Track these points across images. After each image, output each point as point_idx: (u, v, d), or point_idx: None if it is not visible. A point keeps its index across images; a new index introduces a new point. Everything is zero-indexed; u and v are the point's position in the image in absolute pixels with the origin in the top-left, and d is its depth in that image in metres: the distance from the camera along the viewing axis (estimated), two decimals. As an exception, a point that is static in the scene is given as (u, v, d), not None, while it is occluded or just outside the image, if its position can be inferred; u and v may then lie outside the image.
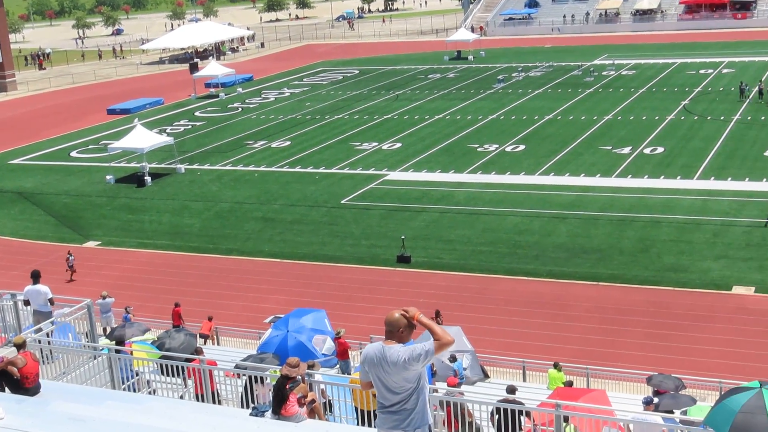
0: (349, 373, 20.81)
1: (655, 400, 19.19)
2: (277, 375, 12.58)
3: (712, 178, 45.08)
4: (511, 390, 17.64)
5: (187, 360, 16.98)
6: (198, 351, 20.53)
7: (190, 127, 70.01)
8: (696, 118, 58.94)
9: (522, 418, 14.75)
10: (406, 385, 7.47)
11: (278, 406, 11.75)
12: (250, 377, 15.69)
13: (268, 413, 11.90)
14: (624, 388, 24.28)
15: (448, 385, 17.75)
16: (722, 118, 58.23)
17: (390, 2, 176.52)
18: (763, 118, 57.55)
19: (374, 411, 8.57)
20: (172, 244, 41.62)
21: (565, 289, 33.26)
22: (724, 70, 76.54)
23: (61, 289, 27.37)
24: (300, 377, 12.48)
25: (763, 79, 67.49)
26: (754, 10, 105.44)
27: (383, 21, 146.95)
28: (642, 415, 15.59)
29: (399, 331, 7.43)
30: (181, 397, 17.32)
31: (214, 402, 16.08)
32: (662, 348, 27.68)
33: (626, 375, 24.97)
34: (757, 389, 9.57)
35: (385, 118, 66.46)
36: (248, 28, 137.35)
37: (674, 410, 18.63)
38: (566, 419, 14.42)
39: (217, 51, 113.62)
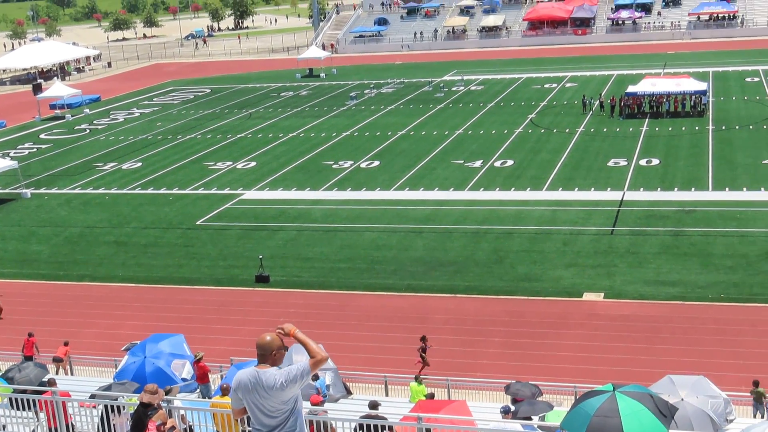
0: (210, 397, 20.43)
1: (513, 408, 19.62)
2: (136, 403, 12.25)
3: (560, 188, 46.58)
4: (374, 405, 17.68)
5: (37, 392, 16.31)
6: (51, 382, 19.75)
7: (35, 150, 67.37)
8: (543, 131, 60.83)
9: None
10: (283, 408, 7.40)
11: (137, 435, 11.43)
12: (106, 407, 15.18)
13: (127, 443, 11.57)
14: (483, 397, 24.67)
15: (312, 404, 17.64)
16: (567, 130, 60.31)
17: (240, 21, 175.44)
18: (605, 129, 59.99)
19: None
20: (20, 272, 39.85)
21: (424, 302, 33.61)
22: (568, 84, 79.36)
23: None
24: (158, 405, 12.17)
25: (603, 93, 70.54)
26: (593, 26, 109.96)
27: (239, 39, 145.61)
28: (501, 424, 15.90)
29: (272, 353, 7.29)
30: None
31: (68, 436, 15.48)
32: (519, 356, 28.32)
33: (485, 384, 25.41)
34: (611, 393, 9.90)
35: (238, 137, 65.82)
36: (94, 48, 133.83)
37: (532, 416, 19.08)
38: (429, 431, 14.57)
39: (61, 71, 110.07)
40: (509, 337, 30.15)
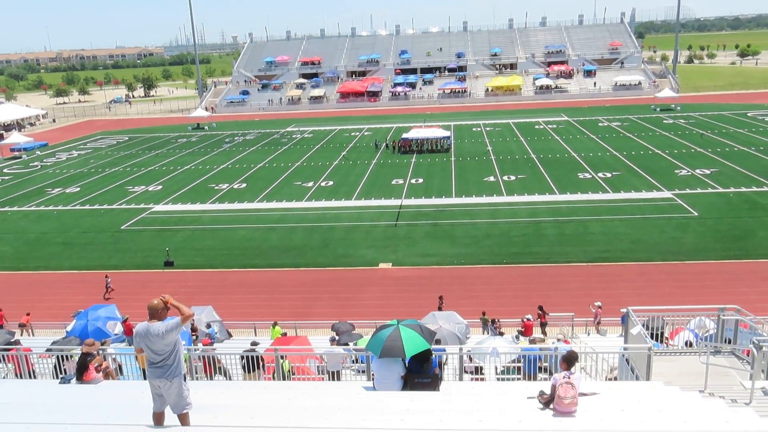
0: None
1: (337, 338, 19.79)
2: (79, 353, 11.57)
3: (363, 198, 47.23)
4: (254, 343, 17.40)
5: (6, 349, 15.16)
6: (16, 342, 18.32)
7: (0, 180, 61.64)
8: (351, 162, 61.45)
9: (259, 360, 14.64)
10: (167, 348, 7.56)
11: (80, 374, 10.79)
12: (58, 357, 14.31)
13: (73, 380, 10.89)
14: (318, 333, 24.75)
15: (203, 345, 17.12)
16: (366, 162, 61.21)
17: (147, 90, 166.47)
18: (389, 161, 61.26)
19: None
20: (-10, 267, 36.44)
21: (279, 275, 33.27)
22: (366, 133, 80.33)
23: None
24: (97, 352, 11.51)
25: (388, 138, 72.12)
26: (380, 96, 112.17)
27: (154, 102, 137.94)
28: (330, 348, 16.03)
29: (158, 312, 7.61)
30: (5, 377, 15.33)
31: (30, 378, 14.41)
32: (341, 305, 28.58)
33: (319, 324, 25.52)
34: (396, 325, 10.13)
35: (149, 170, 62.49)
36: (42, 109, 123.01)
37: (348, 343, 19.33)
38: (283, 357, 14.49)
39: (18, 125, 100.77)
40: (334, 294, 30.37)
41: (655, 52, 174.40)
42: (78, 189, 55.22)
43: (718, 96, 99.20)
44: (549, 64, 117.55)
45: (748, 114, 77.82)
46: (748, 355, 13.81)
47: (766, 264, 31.03)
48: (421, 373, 9.66)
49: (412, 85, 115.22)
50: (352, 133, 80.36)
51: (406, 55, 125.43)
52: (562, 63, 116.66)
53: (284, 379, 14.04)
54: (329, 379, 15.60)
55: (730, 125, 70.31)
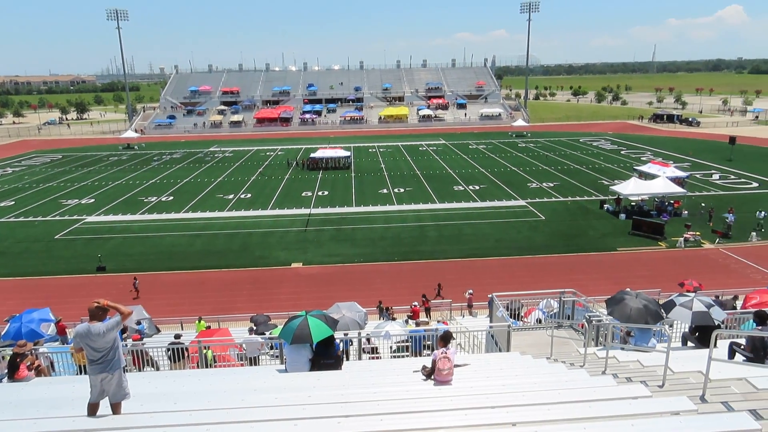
0: (68, 344, 17.90)
1: (255, 328, 19.21)
2: (11, 353, 10.47)
3: (277, 208, 46.31)
4: (177, 336, 16.52)
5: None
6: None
7: (-69, 196, 54.96)
8: (267, 177, 60.14)
9: (184, 351, 13.91)
10: (107, 345, 7.05)
11: (11, 373, 9.77)
12: (-10, 358, 12.84)
13: (5, 379, 9.84)
14: (238, 325, 23.97)
15: (133, 341, 16.05)
16: (279, 177, 60.11)
17: (80, 114, 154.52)
18: (299, 176, 60.44)
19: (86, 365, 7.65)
20: None
21: (203, 275, 31.89)
22: (279, 152, 78.97)
23: None
24: (30, 352, 10.48)
25: (298, 157, 71.17)
26: (291, 122, 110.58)
27: (91, 124, 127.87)
28: (248, 337, 15.53)
29: (98, 315, 7.10)
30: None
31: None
32: (258, 300, 27.80)
33: (239, 317, 24.69)
34: (304, 316, 9.97)
35: (82, 185, 58.00)
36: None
37: (265, 332, 18.82)
38: (207, 347, 13.87)
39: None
40: (252, 290, 29.50)
41: (510, 90, 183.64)
42: (12, 203, 50.29)
43: (558, 125, 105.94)
44: (429, 97, 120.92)
45: (580, 140, 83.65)
46: (582, 327, 14.72)
47: (595, 256, 33.38)
48: (326, 355, 9.58)
49: (318, 113, 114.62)
50: (267, 153, 78.67)
51: (312, 88, 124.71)
52: (439, 97, 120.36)
53: (208, 367, 13.44)
54: (248, 365, 15.11)
55: (567, 148, 75.27)
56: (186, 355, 13.61)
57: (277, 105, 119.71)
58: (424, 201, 47.41)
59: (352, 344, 14.61)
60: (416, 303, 24.23)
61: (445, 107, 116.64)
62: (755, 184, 50.40)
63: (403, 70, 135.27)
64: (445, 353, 8.31)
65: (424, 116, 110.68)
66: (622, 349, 11.19)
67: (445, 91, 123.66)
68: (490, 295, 16.22)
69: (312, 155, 66.92)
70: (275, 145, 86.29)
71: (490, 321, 15.80)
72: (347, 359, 13.29)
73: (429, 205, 46.16)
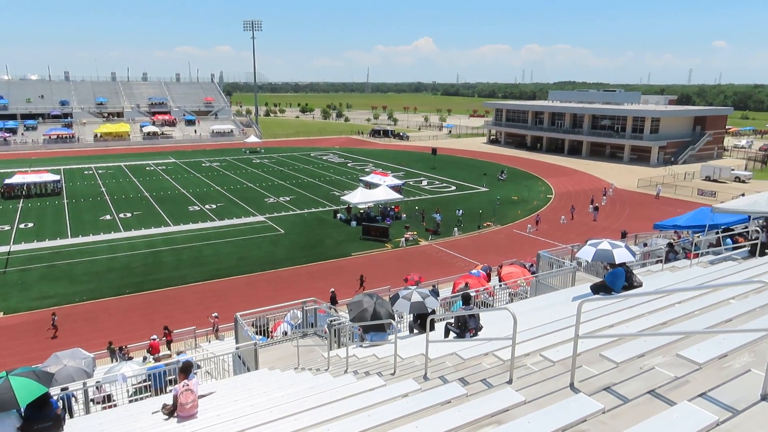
0: None
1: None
2: None
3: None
4: None
5: None
6: None
7: None
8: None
9: None
10: None
11: None
12: None
13: None
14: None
15: None
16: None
17: None
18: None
19: None
20: None
21: (105, 304, 23.76)
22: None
23: None
24: None
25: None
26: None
27: None
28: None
29: None
30: None
31: None
32: None
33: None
34: (5, 377, 8.21)
35: None
36: None
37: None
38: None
39: None
40: None
41: (241, 106, 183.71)
42: None
43: (290, 141, 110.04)
44: (154, 113, 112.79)
45: (311, 154, 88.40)
46: (325, 333, 15.52)
47: (334, 262, 35.60)
48: (40, 418, 8.06)
49: (13, 131, 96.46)
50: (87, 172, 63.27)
51: (2, 101, 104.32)
52: (165, 113, 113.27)
53: None
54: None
55: (300, 163, 78.74)
56: None
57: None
58: (156, 225, 43.97)
59: (75, 398, 12.66)
60: (155, 336, 22.29)
61: (172, 124, 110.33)
62: (453, 188, 60.43)
63: (120, 83, 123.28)
64: (187, 385, 7.83)
65: (149, 133, 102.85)
66: (361, 346, 12.17)
67: (171, 106, 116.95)
68: (235, 315, 15.91)
69: (7, 181, 55.94)
70: (117, 162, 70.04)
71: (236, 342, 15.47)
72: (71, 417, 11.44)
73: (162, 228, 43.00)
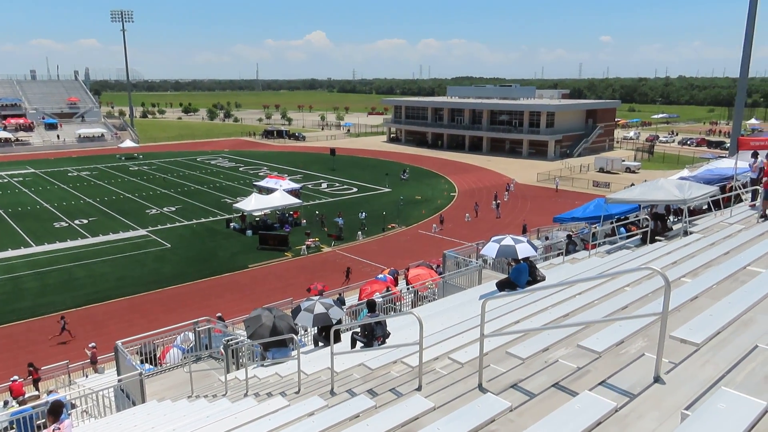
0: None
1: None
2: None
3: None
4: None
5: None
6: None
7: None
8: None
9: None
10: None
11: None
12: None
13: None
14: None
15: None
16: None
17: None
18: None
19: None
20: None
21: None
22: None
23: None
24: None
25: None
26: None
27: None
28: None
29: None
30: None
31: None
32: None
33: None
34: None
35: None
36: None
37: None
38: None
39: None
40: None
41: (113, 107, 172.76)
42: None
43: (172, 145, 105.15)
44: (5, 117, 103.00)
45: (198, 159, 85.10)
46: (222, 354, 15.01)
47: (228, 276, 34.52)
48: None
49: None
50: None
51: None
52: (20, 116, 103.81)
53: None
54: None
55: (185, 169, 75.54)
56: None
57: None
58: (14, 246, 40.20)
59: None
60: (15, 377, 20.31)
61: (29, 128, 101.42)
62: (355, 189, 60.88)
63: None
64: (59, 429, 7.21)
65: (1, 140, 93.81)
66: (263, 365, 11.89)
67: (26, 108, 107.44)
68: (116, 344, 14.92)
69: None
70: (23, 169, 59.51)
71: (118, 374, 14.53)
72: None
73: (22, 250, 39.40)
